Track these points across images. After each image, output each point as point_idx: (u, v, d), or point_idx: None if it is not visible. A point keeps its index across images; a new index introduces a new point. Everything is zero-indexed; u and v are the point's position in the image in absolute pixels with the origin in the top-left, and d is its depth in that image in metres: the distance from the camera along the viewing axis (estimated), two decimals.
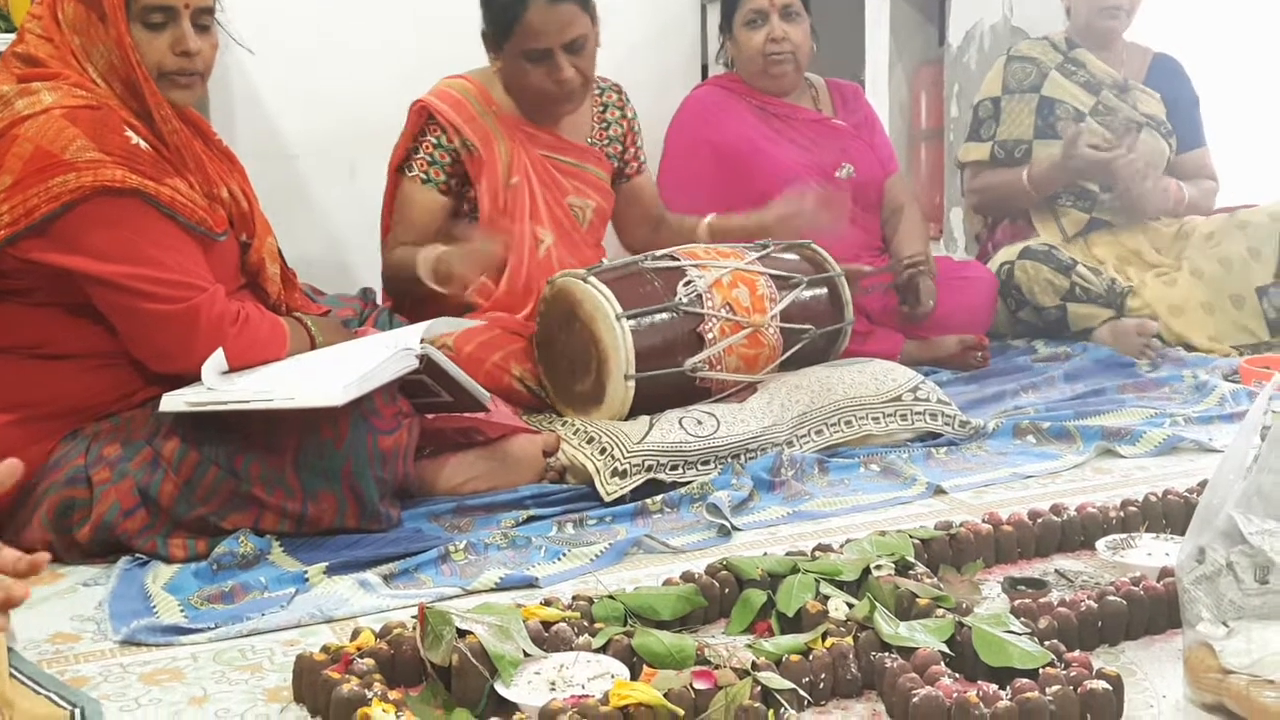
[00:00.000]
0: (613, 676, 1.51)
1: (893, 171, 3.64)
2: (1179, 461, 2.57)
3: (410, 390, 2.24)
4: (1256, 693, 1.43)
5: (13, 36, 2.29)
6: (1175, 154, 3.81)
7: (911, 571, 1.81)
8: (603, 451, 2.41)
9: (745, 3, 3.43)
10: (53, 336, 2.13)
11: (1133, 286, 3.61)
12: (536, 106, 2.89)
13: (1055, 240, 3.73)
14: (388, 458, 2.12)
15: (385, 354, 2.11)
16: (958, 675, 1.50)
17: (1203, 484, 2.09)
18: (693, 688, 1.43)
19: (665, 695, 1.41)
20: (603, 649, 1.59)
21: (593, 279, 2.61)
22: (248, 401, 2.02)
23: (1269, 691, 1.42)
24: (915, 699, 1.43)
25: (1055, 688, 1.43)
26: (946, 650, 1.55)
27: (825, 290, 2.86)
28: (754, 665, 1.49)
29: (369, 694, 1.44)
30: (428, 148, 2.86)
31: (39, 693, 1.57)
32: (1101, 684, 1.44)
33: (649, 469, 2.38)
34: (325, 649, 1.58)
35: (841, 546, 1.92)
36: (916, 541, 1.93)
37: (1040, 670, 1.48)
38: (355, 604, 1.87)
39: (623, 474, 2.36)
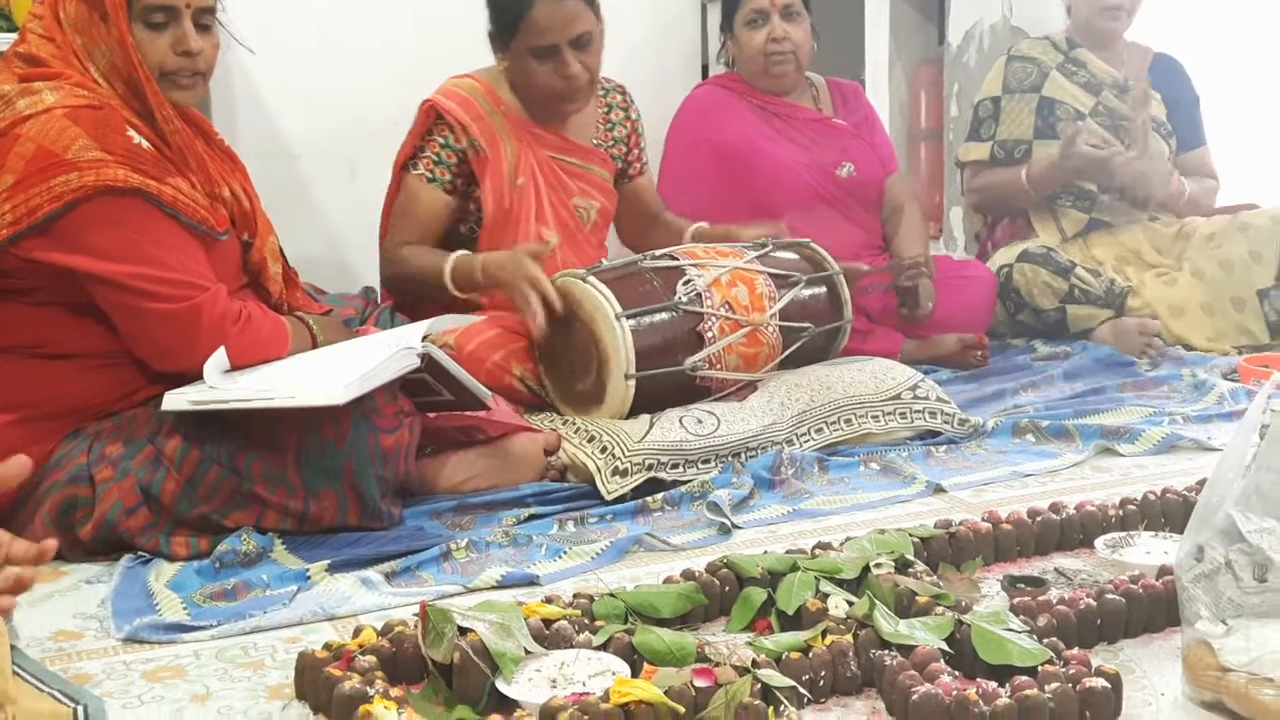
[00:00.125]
0: (613, 674, 1.52)
1: (893, 171, 3.64)
2: (1178, 460, 2.57)
3: (412, 389, 2.25)
4: (1255, 690, 1.43)
5: (14, 36, 2.30)
6: (1175, 154, 3.81)
7: (911, 570, 1.81)
8: (603, 450, 2.41)
9: (746, 2, 3.44)
10: (55, 336, 2.13)
11: (1132, 286, 3.61)
12: (544, 105, 2.89)
13: (1054, 240, 3.73)
14: (389, 456, 2.12)
15: (386, 353, 2.12)
16: (957, 673, 1.50)
17: (1201, 482, 2.10)
18: (693, 685, 1.44)
19: (666, 693, 1.41)
20: (603, 646, 1.60)
21: (592, 279, 2.61)
22: (249, 400, 2.03)
23: (1268, 689, 1.43)
24: (915, 696, 1.44)
25: (1054, 685, 1.43)
26: (946, 648, 1.55)
27: (824, 289, 2.87)
28: (754, 663, 1.49)
29: (371, 691, 1.44)
30: (435, 147, 2.86)
31: (42, 690, 1.57)
32: (1100, 682, 1.44)
33: (649, 467, 2.39)
34: (327, 646, 1.59)
35: (841, 545, 1.93)
36: (916, 540, 1.93)
37: (1039, 668, 1.49)
38: (357, 602, 1.88)
39: (623, 472, 2.37)
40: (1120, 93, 3.77)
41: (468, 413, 2.41)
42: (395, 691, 1.47)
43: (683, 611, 1.76)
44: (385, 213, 2.97)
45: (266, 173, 2.74)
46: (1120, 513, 2.08)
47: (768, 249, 2.85)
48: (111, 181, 2.02)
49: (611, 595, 1.75)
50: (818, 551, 1.91)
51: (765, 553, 1.91)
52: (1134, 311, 3.56)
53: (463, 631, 1.54)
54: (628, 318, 2.56)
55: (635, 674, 1.51)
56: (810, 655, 1.55)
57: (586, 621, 1.67)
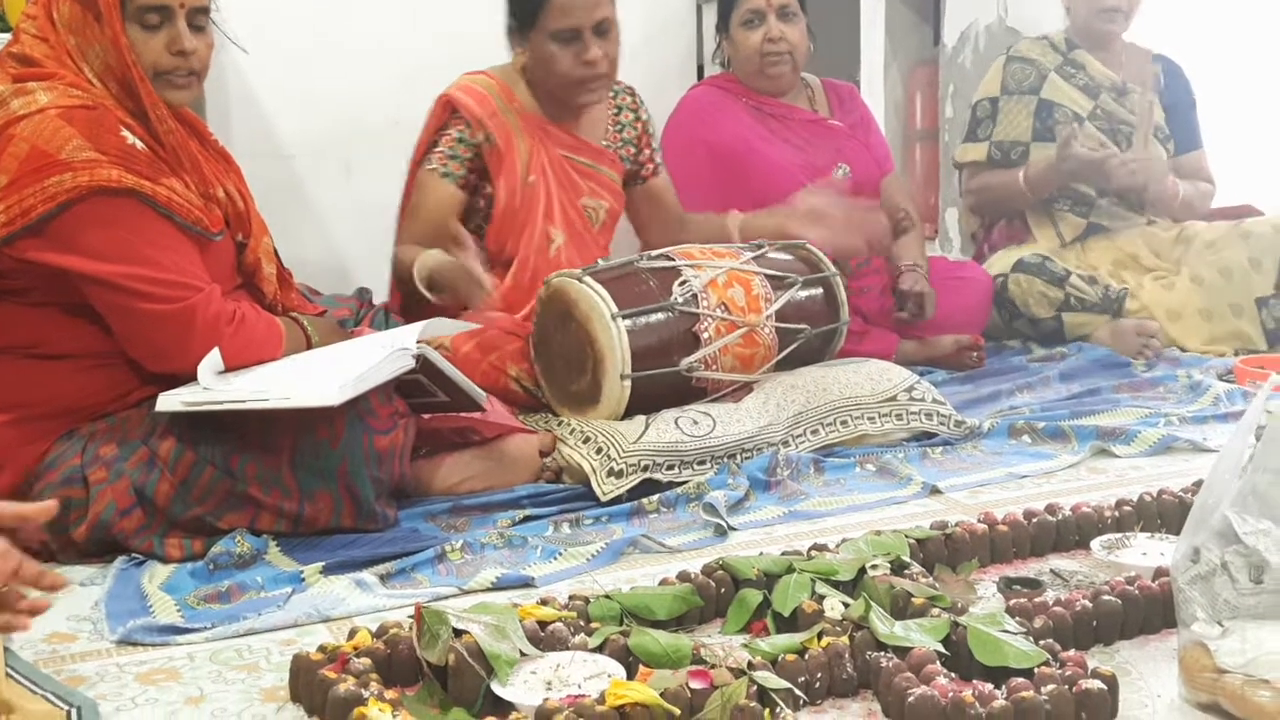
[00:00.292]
0: (609, 676, 1.52)
1: (888, 171, 3.64)
2: (1173, 461, 2.57)
3: (406, 390, 2.24)
4: (1251, 692, 1.43)
5: (8, 37, 2.29)
6: (1172, 156, 3.81)
7: (907, 571, 1.81)
8: (599, 451, 2.41)
9: (742, 3, 3.44)
10: (48, 336, 2.13)
11: (1128, 288, 3.61)
12: (563, 94, 2.89)
13: (1052, 245, 3.73)
14: (384, 457, 2.12)
15: (381, 354, 2.11)
16: (953, 674, 1.50)
17: (1197, 484, 2.10)
18: (689, 687, 1.43)
19: (661, 695, 1.41)
20: (599, 648, 1.59)
21: (588, 279, 2.61)
22: (244, 401, 2.02)
23: (1263, 691, 1.43)
24: (911, 698, 1.43)
25: (1050, 687, 1.43)
26: (942, 650, 1.55)
27: (820, 290, 2.86)
28: (750, 665, 1.49)
29: (365, 693, 1.44)
30: (449, 141, 2.86)
31: (36, 692, 1.57)
32: (1096, 683, 1.44)
33: (645, 469, 2.39)
34: (322, 648, 1.59)
35: (837, 546, 1.93)
36: (912, 541, 1.93)
37: (1035, 670, 1.49)
38: (352, 603, 1.88)
39: (619, 474, 2.36)
40: (1119, 96, 3.77)
41: (463, 414, 2.40)
42: (390, 693, 1.47)
43: (678, 613, 1.76)
44: (401, 214, 2.96)
45: (261, 173, 2.73)
46: (1116, 514, 2.08)
47: (764, 250, 2.85)
48: (105, 182, 2.01)
49: (607, 597, 1.75)
50: (813, 553, 1.91)
51: (761, 554, 1.91)
52: (1131, 315, 3.56)
53: (458, 633, 1.54)
54: (624, 318, 2.56)
55: (631, 676, 1.51)
56: (806, 657, 1.55)
57: (582, 623, 1.67)
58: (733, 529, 2.21)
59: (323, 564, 1.99)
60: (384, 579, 1.98)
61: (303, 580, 1.95)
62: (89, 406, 2.15)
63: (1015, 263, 3.64)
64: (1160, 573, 1.76)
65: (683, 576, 1.83)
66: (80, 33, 2.12)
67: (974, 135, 3.86)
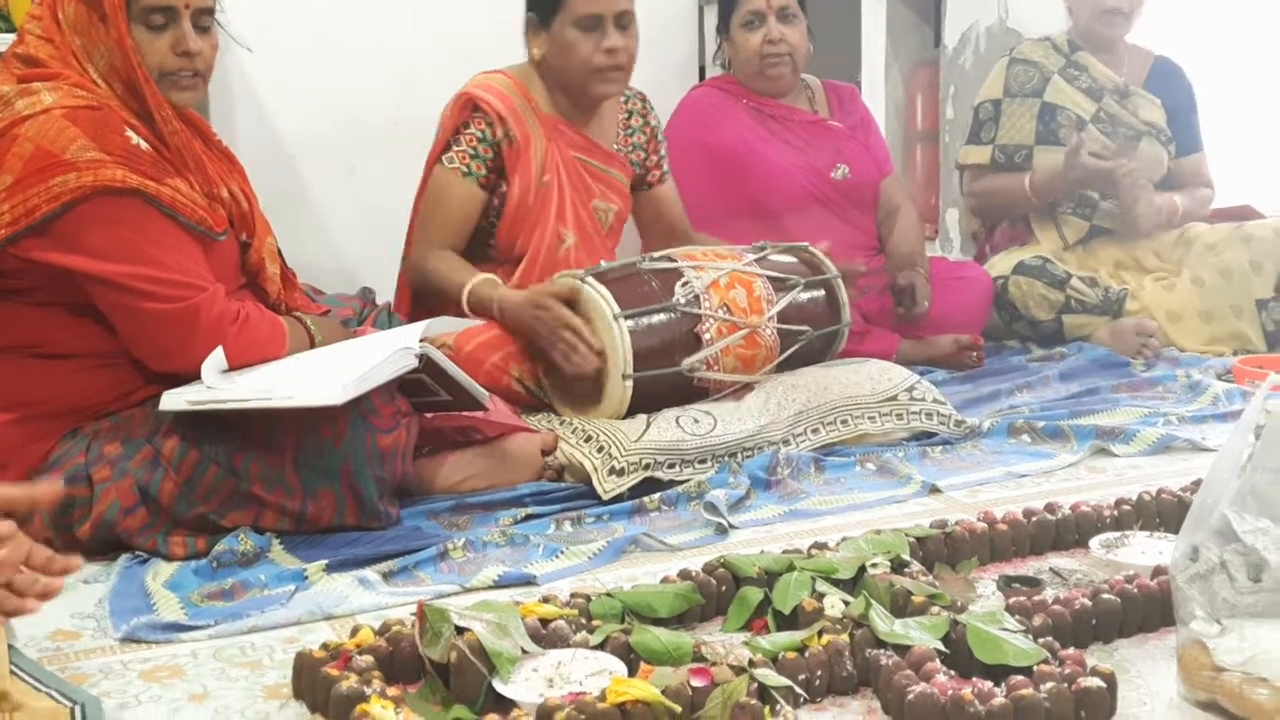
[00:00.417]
0: (610, 673, 1.52)
1: (888, 172, 3.64)
2: (1172, 461, 2.58)
3: (409, 389, 2.25)
4: (1249, 690, 1.44)
5: (13, 37, 2.30)
6: (1173, 159, 3.80)
7: (907, 569, 1.82)
8: (600, 450, 2.42)
9: (742, 4, 3.44)
10: (53, 336, 2.13)
11: (1129, 289, 3.62)
12: (580, 84, 2.89)
13: (1055, 247, 3.73)
14: (387, 456, 2.13)
15: (384, 353, 2.12)
16: (953, 672, 1.50)
17: (1196, 483, 2.11)
18: (690, 685, 1.44)
19: (662, 692, 1.41)
20: (600, 646, 1.60)
21: (590, 279, 2.62)
22: (247, 400, 2.03)
23: (1262, 689, 1.43)
24: (910, 696, 1.44)
25: (1050, 685, 1.44)
26: (942, 648, 1.56)
27: (822, 293, 2.87)
28: (750, 662, 1.50)
29: (368, 691, 1.45)
30: (471, 140, 2.86)
31: (39, 690, 1.57)
32: (1096, 681, 1.45)
33: (646, 467, 2.39)
34: (325, 646, 1.59)
35: (837, 545, 1.93)
36: (912, 540, 1.94)
37: (1034, 668, 1.49)
38: (354, 601, 1.88)
39: (620, 472, 2.37)
40: (1122, 98, 3.76)
41: (465, 413, 2.41)
42: (392, 691, 1.48)
43: (679, 611, 1.76)
44: (414, 212, 2.97)
45: (264, 173, 2.74)
46: (1115, 513, 2.09)
47: (766, 252, 2.86)
48: (110, 182, 2.02)
49: (608, 595, 1.76)
50: (814, 551, 1.91)
51: (762, 552, 1.92)
52: (1131, 316, 3.56)
53: (460, 631, 1.55)
54: (626, 318, 2.57)
55: (632, 673, 1.52)
56: (806, 655, 1.56)
57: (583, 621, 1.67)
58: (733, 527, 2.21)
59: (326, 562, 2.00)
60: (386, 577, 1.98)
61: (306, 578, 1.96)
62: (93, 405, 2.16)
63: (1016, 265, 3.64)
64: (1159, 571, 1.77)
65: (684, 574, 1.84)
66: (85, 33, 2.13)
67: (976, 138, 3.86)
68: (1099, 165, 3.57)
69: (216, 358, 2.08)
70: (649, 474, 2.39)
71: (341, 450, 2.08)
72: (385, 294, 3.04)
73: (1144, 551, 1.95)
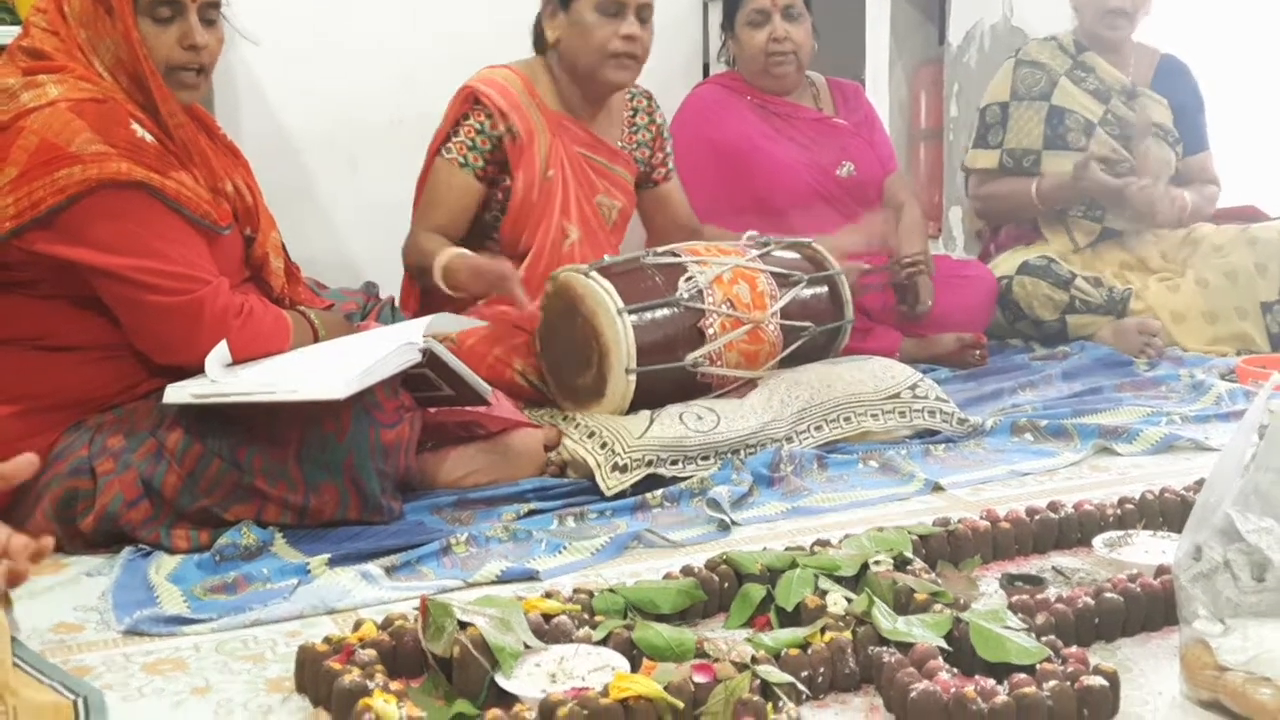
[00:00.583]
0: (613, 669, 1.52)
1: (892, 170, 3.65)
2: (1175, 460, 2.57)
3: (412, 384, 2.25)
4: (1252, 689, 1.44)
5: (18, 30, 2.30)
6: (1180, 159, 3.80)
7: (909, 567, 1.82)
8: (603, 446, 2.42)
9: (747, 2, 3.44)
10: (57, 328, 2.14)
11: (1133, 289, 3.61)
12: (593, 69, 2.89)
13: (1065, 250, 3.72)
14: (390, 451, 2.13)
15: (388, 348, 2.12)
16: (955, 670, 1.50)
17: (1199, 482, 2.11)
18: (692, 681, 1.44)
19: (665, 688, 1.41)
20: (603, 642, 1.60)
21: (594, 274, 2.62)
22: (251, 394, 2.03)
23: (1264, 688, 1.43)
24: (913, 693, 1.44)
25: (1052, 683, 1.44)
26: (944, 645, 1.56)
27: (825, 289, 2.87)
28: (753, 659, 1.50)
29: (371, 685, 1.44)
30: (469, 132, 2.87)
31: (42, 682, 1.57)
32: (1098, 680, 1.45)
33: (649, 464, 2.39)
34: (327, 640, 1.59)
35: (840, 542, 1.93)
36: (915, 537, 1.94)
37: (1037, 666, 1.49)
38: (357, 595, 1.88)
39: (623, 468, 2.37)
40: (1129, 99, 3.75)
41: (468, 408, 2.41)
42: (395, 685, 1.48)
43: (682, 607, 1.76)
44: (416, 200, 2.97)
45: (269, 168, 2.75)
46: (1118, 512, 2.09)
47: (769, 248, 2.86)
48: (114, 175, 2.02)
49: (611, 591, 1.76)
50: (816, 548, 1.91)
51: (764, 549, 1.92)
52: (1136, 315, 3.56)
53: (462, 626, 1.55)
54: (629, 313, 2.57)
55: (634, 669, 1.52)
56: (809, 652, 1.56)
57: (586, 617, 1.67)
58: (736, 524, 2.21)
59: (328, 556, 2.00)
60: (389, 571, 1.98)
61: (309, 572, 1.96)
62: (97, 398, 2.16)
63: (1020, 265, 3.63)
64: (1162, 570, 1.77)
65: (686, 571, 1.84)
66: (91, 26, 2.13)
67: (984, 141, 3.84)
68: (1110, 184, 3.56)
69: (220, 351, 2.09)
70: (652, 470, 2.39)
71: (345, 444, 2.08)
72: (388, 288, 3.04)
73: (1147, 550, 1.95)
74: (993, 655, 1.53)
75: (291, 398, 2.01)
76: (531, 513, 2.28)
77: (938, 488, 2.41)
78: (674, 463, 2.42)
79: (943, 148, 4.68)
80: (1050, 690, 1.43)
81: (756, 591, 1.78)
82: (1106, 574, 1.88)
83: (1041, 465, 2.54)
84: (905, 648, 1.55)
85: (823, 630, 1.60)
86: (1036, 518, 2.04)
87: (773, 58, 3.44)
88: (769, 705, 1.44)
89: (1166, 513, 2.10)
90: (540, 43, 2.99)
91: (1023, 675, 1.47)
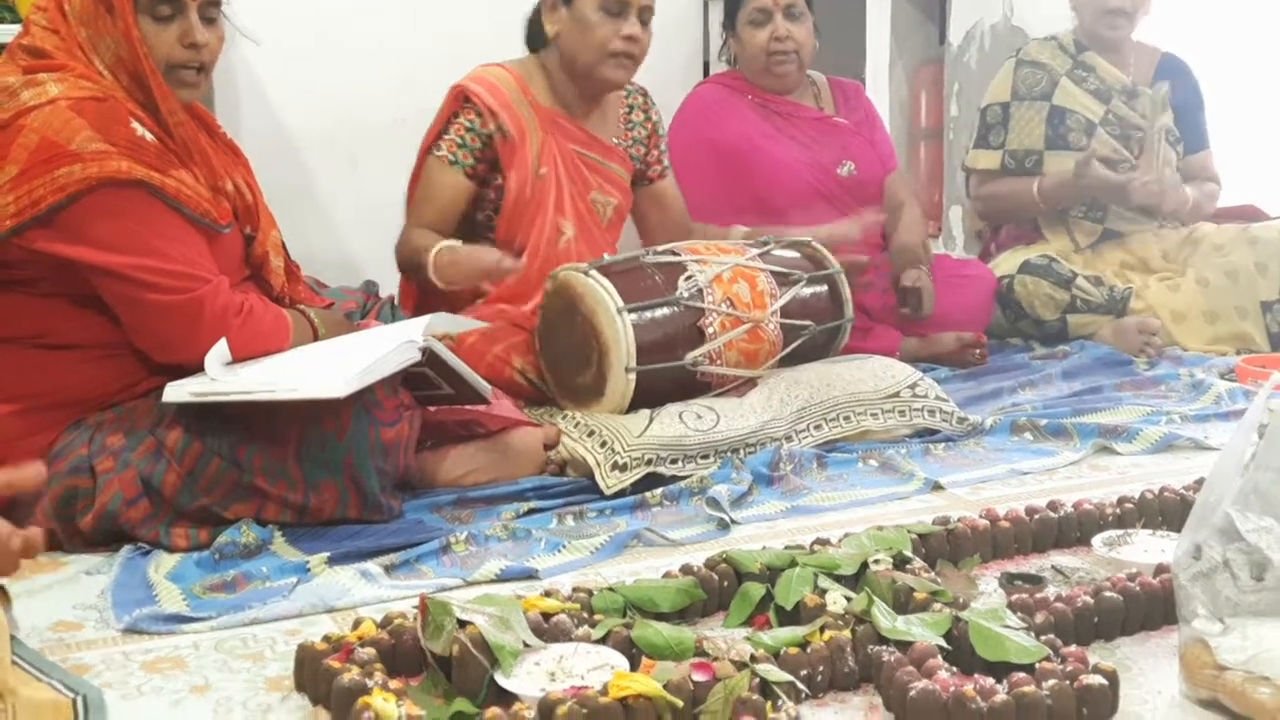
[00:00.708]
0: (612, 667, 1.52)
1: (892, 169, 3.65)
2: (1175, 459, 2.57)
3: (412, 383, 2.25)
4: (1251, 689, 1.44)
5: (18, 28, 2.30)
6: (1181, 158, 3.80)
7: (909, 566, 1.82)
8: (603, 445, 2.42)
9: (748, 1, 3.44)
10: (56, 327, 2.14)
11: (1134, 288, 3.61)
12: (590, 67, 2.89)
13: (1066, 250, 3.72)
14: (389, 449, 2.13)
15: (388, 346, 2.12)
16: (954, 669, 1.51)
17: (1199, 481, 2.11)
18: (691, 680, 1.44)
19: (664, 687, 1.41)
20: (602, 640, 1.60)
21: (594, 273, 2.62)
22: (251, 393, 2.03)
23: (1264, 688, 1.43)
24: (912, 692, 1.44)
25: (1051, 682, 1.44)
26: (943, 644, 1.56)
27: (825, 287, 2.87)
28: (752, 658, 1.50)
29: (370, 683, 1.45)
30: (459, 130, 2.87)
31: (41, 680, 1.57)
32: (1098, 679, 1.45)
33: (649, 462, 2.39)
34: (327, 638, 1.59)
35: (839, 541, 1.93)
36: (914, 536, 1.94)
37: (1036, 665, 1.49)
38: (356, 594, 1.88)
39: (623, 467, 2.37)
40: (1129, 99, 3.75)
41: (468, 406, 2.41)
42: (394, 683, 1.48)
43: (681, 606, 1.76)
44: (409, 198, 2.97)
45: (269, 167, 2.74)
46: (1118, 511, 2.09)
47: (769, 247, 2.86)
48: (115, 173, 2.02)
49: (610, 589, 1.76)
50: (816, 547, 1.91)
51: (764, 548, 1.92)
52: (1136, 314, 3.56)
53: (462, 624, 1.55)
54: (629, 311, 2.57)
55: (634, 668, 1.52)
56: (808, 650, 1.56)
57: (585, 615, 1.67)
58: (736, 523, 2.21)
59: (328, 554, 2.00)
60: (389, 570, 1.98)
61: (308, 570, 1.96)
62: (96, 397, 2.16)
63: (1021, 264, 3.63)
64: (1161, 569, 1.77)
65: (686, 570, 1.84)
66: (92, 24, 2.13)
67: (985, 142, 3.84)
68: (1111, 179, 3.56)
69: (220, 350, 2.09)
70: (651, 469, 2.39)
71: (344, 443, 2.08)
72: (388, 287, 3.04)
73: (1146, 550, 1.95)
74: (992, 654, 1.53)
75: (291, 396, 2.01)
76: (531, 511, 2.28)
77: (937, 487, 2.41)
78: (673, 461, 2.42)
79: (943, 147, 4.68)
80: (1049, 689, 1.43)
81: (756, 590, 1.78)
82: (1106, 573, 1.88)
83: (1041, 464, 2.54)
84: (904, 646, 1.55)
85: (822, 629, 1.60)
86: (1036, 517, 2.04)
87: (774, 57, 3.44)
88: (768, 704, 1.44)
89: (1166, 512, 2.10)
90: (535, 38, 2.99)
91: (1022, 674, 1.47)
